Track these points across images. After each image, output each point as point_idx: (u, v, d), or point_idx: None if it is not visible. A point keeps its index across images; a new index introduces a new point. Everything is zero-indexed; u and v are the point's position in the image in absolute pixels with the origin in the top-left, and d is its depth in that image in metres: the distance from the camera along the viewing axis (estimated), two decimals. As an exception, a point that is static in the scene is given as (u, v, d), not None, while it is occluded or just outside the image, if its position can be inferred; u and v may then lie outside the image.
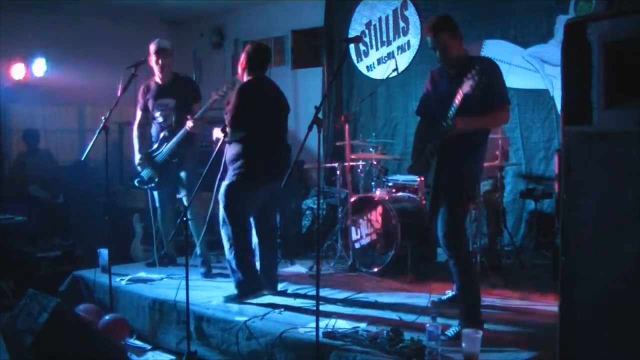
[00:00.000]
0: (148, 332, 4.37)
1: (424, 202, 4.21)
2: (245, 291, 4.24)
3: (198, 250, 5.14)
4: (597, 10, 5.12)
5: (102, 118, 4.48)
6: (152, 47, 4.95)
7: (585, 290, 2.32)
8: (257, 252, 4.44)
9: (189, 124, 4.72)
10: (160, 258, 5.27)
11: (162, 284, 4.70)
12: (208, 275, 5.01)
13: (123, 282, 4.78)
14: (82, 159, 4.74)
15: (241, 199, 4.21)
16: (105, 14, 8.32)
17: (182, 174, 5.01)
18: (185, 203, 4.98)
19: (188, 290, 3.75)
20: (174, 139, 4.89)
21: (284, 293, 4.48)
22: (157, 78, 5.06)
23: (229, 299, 4.22)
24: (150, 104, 5.10)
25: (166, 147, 4.95)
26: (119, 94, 4.56)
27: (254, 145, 4.17)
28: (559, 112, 4.66)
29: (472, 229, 4.75)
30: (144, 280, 4.86)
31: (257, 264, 4.40)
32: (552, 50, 5.52)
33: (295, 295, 4.43)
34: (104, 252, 5.03)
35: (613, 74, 2.20)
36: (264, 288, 4.34)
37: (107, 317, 4.27)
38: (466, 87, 3.20)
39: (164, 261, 5.27)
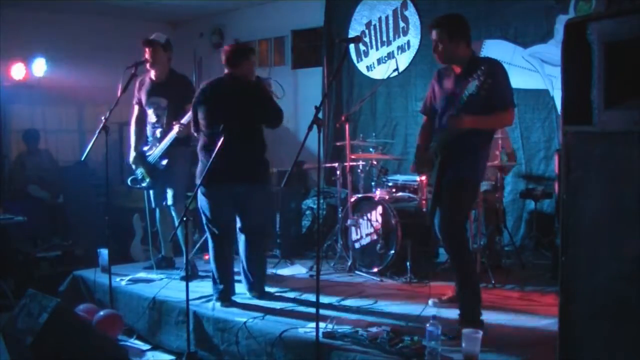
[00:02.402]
0: (148, 332, 4.37)
1: (424, 202, 4.21)
2: (219, 297, 4.24)
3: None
4: (597, 10, 5.12)
5: (102, 118, 4.47)
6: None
7: (585, 290, 2.31)
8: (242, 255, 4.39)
9: (176, 129, 4.68)
10: (158, 262, 5.25)
11: (162, 284, 4.70)
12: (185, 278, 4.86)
13: (123, 282, 4.78)
14: (82, 159, 4.74)
15: (208, 204, 4.21)
16: (105, 14, 8.32)
17: (168, 184, 4.96)
18: (173, 211, 4.99)
19: (188, 290, 3.75)
20: (164, 143, 4.84)
21: (284, 292, 4.49)
22: (152, 74, 5.02)
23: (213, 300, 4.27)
24: (143, 100, 5.06)
25: (157, 149, 4.92)
26: (119, 94, 4.56)
27: (208, 148, 4.12)
28: (559, 112, 4.66)
29: (472, 229, 4.75)
30: (144, 280, 4.86)
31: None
32: (552, 50, 5.52)
33: (296, 296, 4.43)
34: (104, 252, 5.02)
35: (613, 73, 2.20)
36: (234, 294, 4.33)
37: (101, 313, 4.28)
38: (471, 87, 3.21)
39: (162, 265, 5.23)
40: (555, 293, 2.54)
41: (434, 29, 3.57)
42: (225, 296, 4.25)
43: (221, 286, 4.25)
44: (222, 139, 3.89)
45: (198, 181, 4.15)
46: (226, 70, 4.27)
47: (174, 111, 4.86)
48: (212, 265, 4.30)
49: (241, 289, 4.41)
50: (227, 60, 4.24)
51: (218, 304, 4.19)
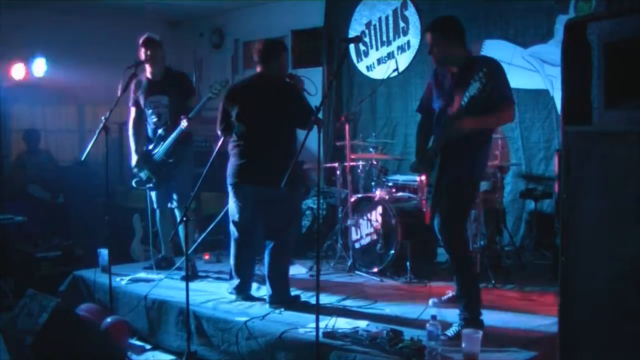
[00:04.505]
0: (148, 332, 4.37)
1: (424, 202, 4.22)
2: (235, 292, 4.32)
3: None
4: (597, 10, 5.12)
5: (102, 118, 4.47)
6: (140, 40, 4.92)
7: (585, 290, 2.31)
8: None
9: (184, 123, 4.67)
10: (158, 262, 5.24)
11: (162, 284, 4.69)
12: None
13: (123, 282, 4.78)
14: (82, 159, 4.73)
15: (236, 203, 4.20)
16: (105, 14, 8.32)
17: (174, 184, 4.97)
18: (177, 213, 4.99)
19: (188, 290, 3.75)
20: (170, 138, 4.84)
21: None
22: (148, 73, 5.00)
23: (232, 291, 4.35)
24: (141, 100, 5.04)
25: (163, 147, 4.92)
26: (119, 94, 4.56)
27: (239, 149, 4.12)
28: (559, 112, 4.66)
29: (472, 229, 4.75)
30: (144, 280, 4.85)
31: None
32: (552, 50, 5.51)
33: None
34: (104, 252, 5.02)
35: (613, 74, 2.20)
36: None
37: (108, 320, 4.26)
38: (473, 89, 3.20)
39: (162, 265, 5.22)
40: (555, 293, 2.54)
41: (428, 32, 3.61)
42: (241, 289, 4.30)
43: (237, 281, 4.29)
44: (235, 141, 4.03)
45: (229, 180, 4.17)
46: (258, 68, 4.21)
47: (176, 107, 4.87)
48: (231, 261, 4.35)
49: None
50: (258, 58, 4.18)
51: (233, 297, 4.28)
